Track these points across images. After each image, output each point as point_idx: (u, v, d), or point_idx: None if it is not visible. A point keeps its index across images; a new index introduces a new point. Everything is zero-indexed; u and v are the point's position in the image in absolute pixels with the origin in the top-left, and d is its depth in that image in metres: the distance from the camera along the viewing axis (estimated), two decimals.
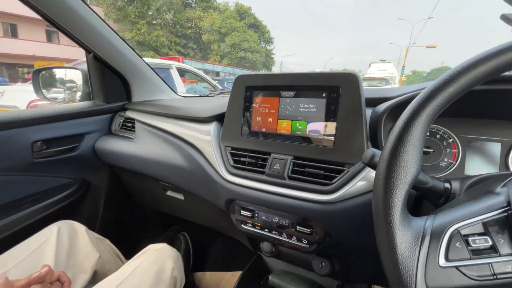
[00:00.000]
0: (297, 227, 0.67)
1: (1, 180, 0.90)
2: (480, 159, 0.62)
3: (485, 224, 0.31)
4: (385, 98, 0.68)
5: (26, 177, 0.96)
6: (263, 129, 0.71)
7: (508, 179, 0.35)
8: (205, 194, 0.86)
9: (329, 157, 0.63)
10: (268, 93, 0.70)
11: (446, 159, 0.64)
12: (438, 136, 0.65)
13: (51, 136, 0.99)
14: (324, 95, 0.63)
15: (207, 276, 1.25)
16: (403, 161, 0.33)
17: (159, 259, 0.73)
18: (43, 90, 1.28)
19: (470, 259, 0.30)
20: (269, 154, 0.70)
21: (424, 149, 0.65)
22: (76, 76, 1.39)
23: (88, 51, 1.05)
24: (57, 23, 0.88)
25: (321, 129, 0.64)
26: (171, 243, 1.33)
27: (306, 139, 0.66)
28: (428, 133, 0.66)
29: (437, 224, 0.33)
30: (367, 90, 0.76)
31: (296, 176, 0.65)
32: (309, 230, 0.66)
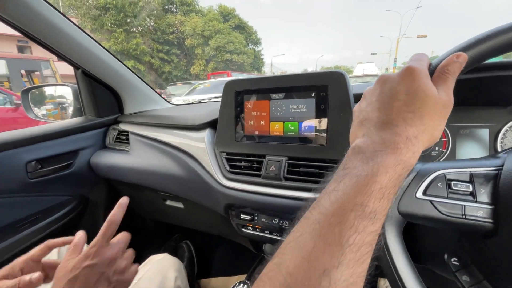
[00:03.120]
0: None
1: None
2: (469, 145, 0.64)
3: (472, 175, 0.33)
4: None
5: (23, 198, 0.95)
6: (256, 132, 0.72)
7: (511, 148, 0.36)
8: (204, 201, 0.86)
9: (323, 155, 0.63)
10: (258, 96, 0.71)
11: (437, 148, 0.66)
12: None
13: (45, 155, 0.98)
14: (313, 94, 0.64)
15: (213, 282, 1.25)
16: None
17: (161, 269, 0.73)
18: (34, 109, 1.27)
19: (447, 198, 0.32)
20: (264, 156, 0.71)
21: None
22: (66, 92, 1.38)
23: (76, 67, 1.04)
24: (43, 42, 0.88)
25: (313, 128, 0.65)
26: (174, 252, 1.32)
27: (299, 139, 0.66)
28: None
29: (425, 167, 0.34)
30: (356, 86, 0.77)
31: (292, 176, 0.66)
32: None
